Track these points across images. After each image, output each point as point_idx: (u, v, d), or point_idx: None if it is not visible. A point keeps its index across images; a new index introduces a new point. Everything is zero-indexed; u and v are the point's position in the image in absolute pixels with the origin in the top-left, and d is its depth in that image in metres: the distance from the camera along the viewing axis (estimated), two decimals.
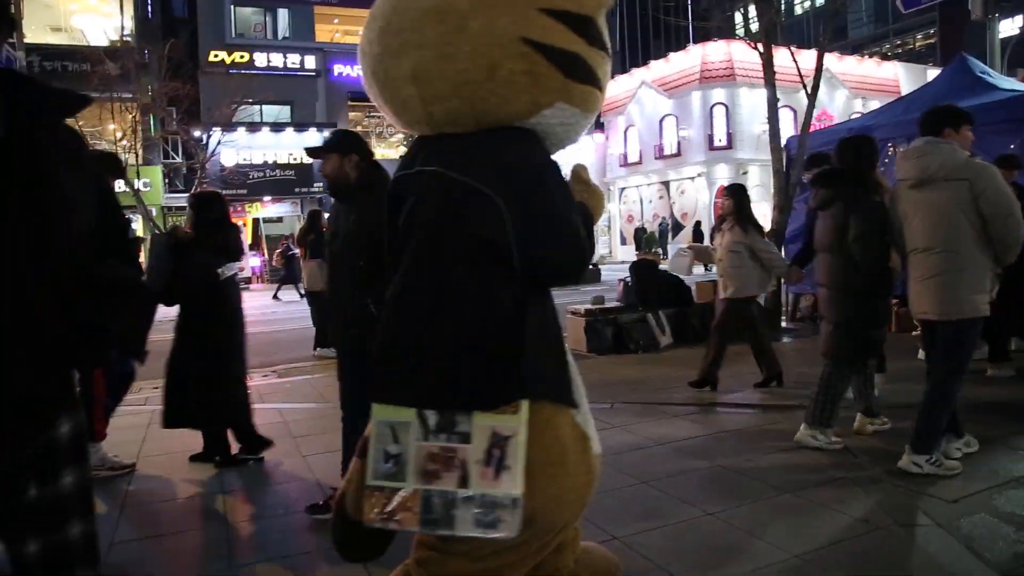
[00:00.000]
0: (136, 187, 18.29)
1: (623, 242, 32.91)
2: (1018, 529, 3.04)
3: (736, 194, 5.96)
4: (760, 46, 9.03)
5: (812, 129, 9.48)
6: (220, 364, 4.23)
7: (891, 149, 8.27)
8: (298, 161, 25.42)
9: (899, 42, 43.82)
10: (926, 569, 2.74)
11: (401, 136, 29.95)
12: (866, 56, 35.19)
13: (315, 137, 26.01)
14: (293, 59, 26.79)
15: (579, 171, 2.07)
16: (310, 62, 27.00)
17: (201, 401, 4.19)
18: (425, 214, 1.76)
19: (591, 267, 22.82)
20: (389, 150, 29.73)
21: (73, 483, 1.64)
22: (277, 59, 26.48)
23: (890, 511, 3.26)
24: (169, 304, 4.16)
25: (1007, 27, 22.70)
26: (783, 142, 9.58)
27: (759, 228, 5.89)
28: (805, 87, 8.85)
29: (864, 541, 2.98)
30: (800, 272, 5.67)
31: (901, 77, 30.96)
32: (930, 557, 2.84)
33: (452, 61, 1.68)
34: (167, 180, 24.80)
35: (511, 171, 1.70)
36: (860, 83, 30.12)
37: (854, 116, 26.79)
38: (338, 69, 27.39)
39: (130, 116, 20.44)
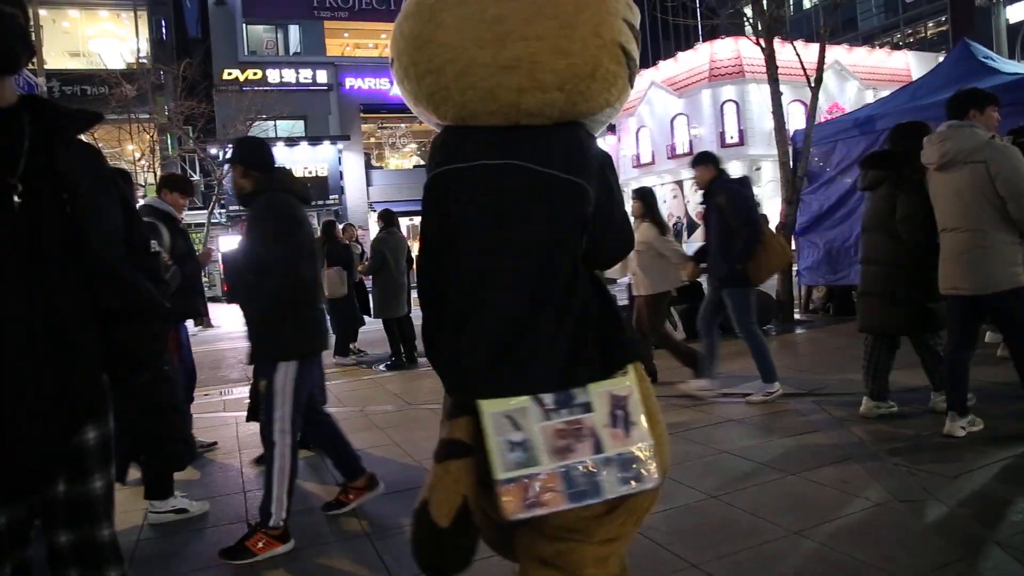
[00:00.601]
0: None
1: None
2: (1014, 500, 3.10)
3: (643, 197, 6.21)
4: (763, 42, 9.07)
5: (822, 121, 9.50)
6: None
7: None
8: (313, 174, 25.71)
9: (910, 31, 43.44)
10: (925, 540, 2.81)
11: (415, 147, 30.20)
12: (876, 47, 34.95)
13: (329, 150, 26.30)
14: (305, 74, 27.08)
15: None
16: (322, 76, 27.28)
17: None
18: (515, 207, 1.78)
19: None
20: (403, 160, 29.98)
21: (103, 487, 1.77)
22: (289, 75, 26.78)
23: (891, 488, 3.32)
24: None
25: (1019, 11, 22.48)
26: (790, 135, 9.62)
27: (662, 226, 6.17)
28: (809, 82, 8.88)
29: (865, 516, 3.05)
30: (696, 267, 5.85)
31: (912, 66, 30.68)
32: (929, 529, 2.91)
33: (565, 55, 1.74)
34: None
35: (592, 163, 1.81)
36: (871, 74, 29.90)
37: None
38: (349, 82, 27.65)
39: (148, 136, 20.82)
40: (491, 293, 1.78)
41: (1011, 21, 20.83)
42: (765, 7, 8.94)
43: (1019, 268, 3.78)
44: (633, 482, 1.72)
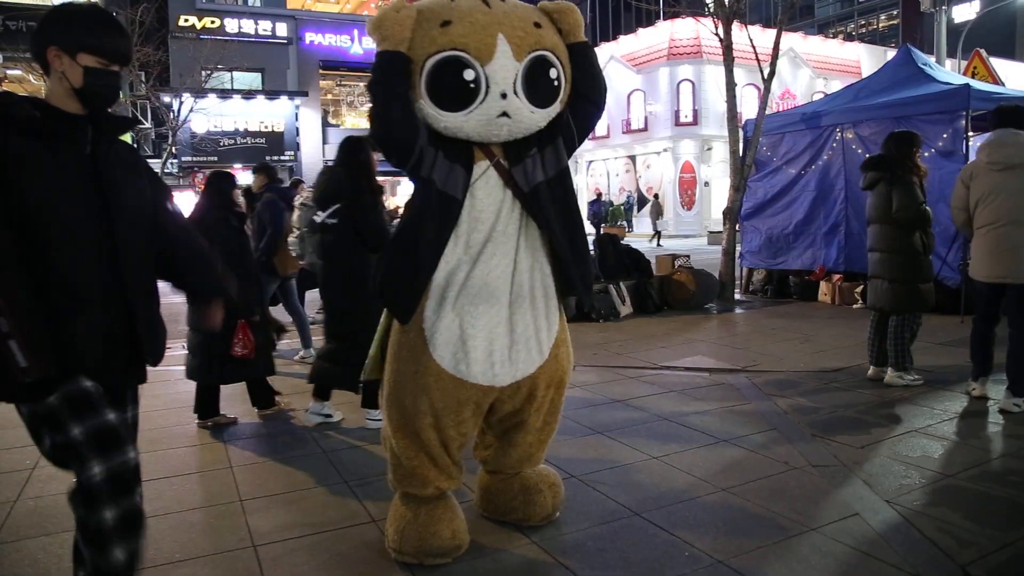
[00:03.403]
0: None
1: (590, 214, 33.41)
2: (907, 467, 3.64)
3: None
4: (720, 31, 9.43)
5: (774, 110, 9.95)
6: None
7: (838, 133, 8.87)
8: (269, 129, 25.42)
9: (863, 22, 44.63)
10: (831, 498, 3.32)
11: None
12: (830, 36, 35.87)
13: (286, 106, 25.97)
14: (264, 26, 26.55)
15: None
16: (281, 29, 26.79)
17: None
18: None
19: None
20: (360, 119, 29.78)
21: (132, 418, 2.18)
22: (248, 25, 26.22)
23: (807, 455, 3.83)
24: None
25: (965, 11, 23.42)
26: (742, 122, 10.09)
27: None
28: (762, 71, 9.30)
29: (783, 478, 3.55)
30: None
31: (863, 58, 31.70)
32: (834, 489, 3.42)
33: None
34: (137, 146, 24.65)
35: None
36: (823, 63, 30.81)
37: (816, 96, 27.52)
38: (309, 37, 27.24)
39: None
40: None
41: (956, 21, 21.74)
42: (726, 1, 9.31)
43: None
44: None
